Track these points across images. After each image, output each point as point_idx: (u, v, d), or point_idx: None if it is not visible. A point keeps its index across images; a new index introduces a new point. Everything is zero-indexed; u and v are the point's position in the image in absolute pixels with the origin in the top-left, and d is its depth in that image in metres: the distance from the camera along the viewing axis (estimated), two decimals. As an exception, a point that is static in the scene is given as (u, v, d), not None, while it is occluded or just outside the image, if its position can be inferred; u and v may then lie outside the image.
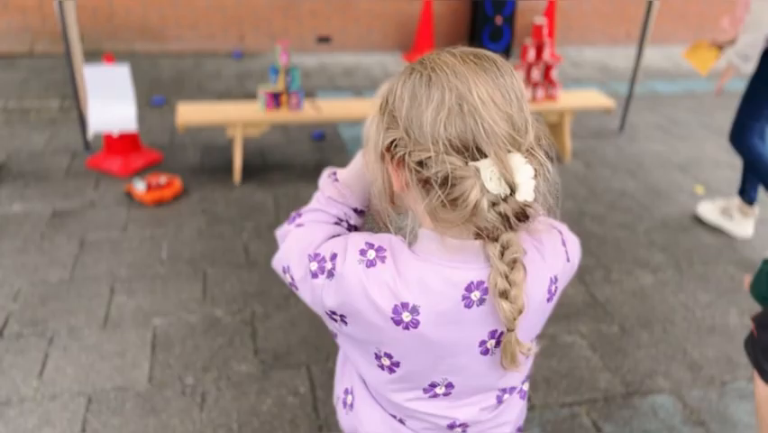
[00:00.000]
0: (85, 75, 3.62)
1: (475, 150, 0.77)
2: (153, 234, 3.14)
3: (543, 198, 0.82)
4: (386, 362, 0.90)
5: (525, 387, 1.06)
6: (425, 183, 0.80)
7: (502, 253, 0.81)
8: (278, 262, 0.99)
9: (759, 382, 1.66)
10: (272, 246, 3.10)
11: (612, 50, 7.18)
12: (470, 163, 0.77)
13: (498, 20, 6.51)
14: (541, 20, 4.16)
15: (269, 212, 3.40)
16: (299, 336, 2.49)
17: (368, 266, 0.85)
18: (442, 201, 0.78)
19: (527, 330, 0.87)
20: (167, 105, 4.81)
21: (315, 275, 0.88)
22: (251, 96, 4.92)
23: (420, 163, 0.79)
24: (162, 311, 2.60)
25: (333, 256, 0.87)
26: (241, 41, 6.31)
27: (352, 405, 1.02)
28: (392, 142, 0.83)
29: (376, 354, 0.89)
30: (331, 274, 0.86)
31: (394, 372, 0.90)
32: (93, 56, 4.29)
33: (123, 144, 3.74)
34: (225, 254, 3.01)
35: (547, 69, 4.13)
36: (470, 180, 0.76)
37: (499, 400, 0.98)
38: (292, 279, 0.93)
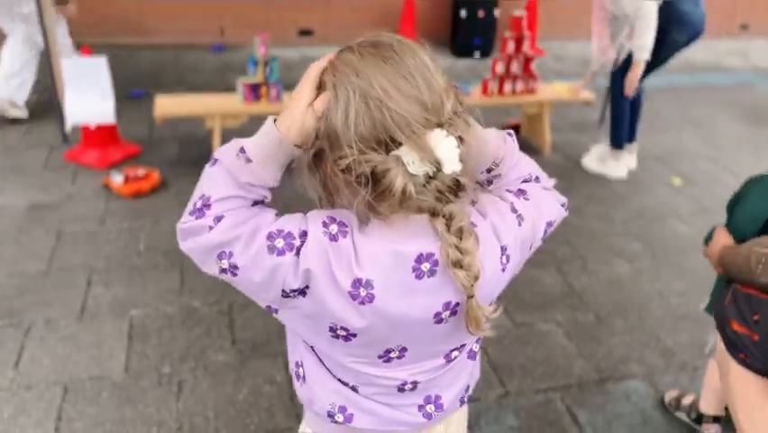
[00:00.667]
0: (62, 67, 3.59)
1: (390, 141, 0.79)
2: (131, 226, 3.13)
3: (470, 164, 0.85)
4: (342, 333, 0.90)
5: (476, 348, 1.08)
6: (354, 182, 0.82)
7: (448, 226, 0.84)
8: (204, 251, 0.88)
9: (719, 342, 1.71)
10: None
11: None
12: (391, 154, 0.79)
13: (481, 13, 6.53)
14: (520, 12, 4.18)
15: (249, 204, 3.40)
16: (277, 326, 2.49)
17: (330, 240, 0.86)
18: (371, 198, 0.81)
19: (482, 299, 0.89)
20: (146, 97, 4.78)
21: (281, 252, 0.85)
22: (231, 88, 4.89)
23: (345, 169, 0.82)
24: (139, 302, 2.59)
25: (303, 234, 0.86)
26: (221, 34, 6.29)
27: (304, 377, 1.03)
28: (317, 154, 0.86)
29: (331, 326, 0.90)
30: (299, 251, 0.86)
31: (350, 340, 0.91)
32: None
33: (101, 137, 3.72)
34: (204, 246, 3.00)
35: (527, 61, 4.15)
36: (393, 171, 0.79)
37: (448, 359, 1.01)
38: (231, 265, 0.87)
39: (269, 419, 2.09)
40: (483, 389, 2.23)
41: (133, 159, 3.80)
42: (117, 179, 3.37)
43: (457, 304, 0.89)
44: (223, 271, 0.88)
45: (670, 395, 2.22)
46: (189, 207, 0.90)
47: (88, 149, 3.73)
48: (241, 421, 2.07)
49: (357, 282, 0.85)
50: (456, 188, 0.83)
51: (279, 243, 0.86)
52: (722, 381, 1.79)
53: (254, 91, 3.63)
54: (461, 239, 0.84)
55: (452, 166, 0.80)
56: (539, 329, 2.56)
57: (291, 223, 0.88)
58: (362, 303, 0.86)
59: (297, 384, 1.06)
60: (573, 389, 2.27)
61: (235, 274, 0.88)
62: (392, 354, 0.95)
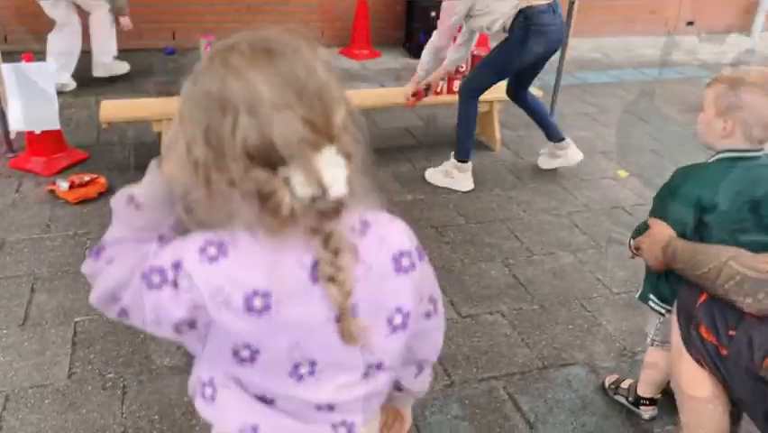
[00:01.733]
0: (3, 73, 3.53)
1: (278, 159, 0.77)
2: (77, 232, 3.09)
3: (358, 179, 0.83)
4: (245, 354, 0.89)
5: (392, 374, 1.05)
6: (240, 198, 0.80)
7: (326, 243, 0.83)
8: (101, 298, 0.94)
9: (675, 330, 1.78)
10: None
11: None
12: (279, 173, 0.78)
13: (434, 14, 6.60)
14: (467, 12, 4.22)
15: (199, 207, 3.39)
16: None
17: (210, 263, 0.84)
18: (258, 213, 0.80)
19: (373, 300, 0.90)
20: (95, 104, 4.71)
21: (159, 286, 0.86)
22: (183, 92, 4.86)
23: (230, 182, 0.79)
24: (84, 309, 2.56)
25: (176, 265, 0.86)
26: (172, 38, 6.24)
27: (212, 397, 0.99)
28: (197, 162, 0.81)
29: (233, 349, 0.88)
30: (176, 284, 0.85)
31: (255, 360, 0.89)
32: (18, 56, 4.17)
33: (46, 144, 3.66)
34: (151, 250, 2.98)
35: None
36: (281, 192, 0.78)
37: (365, 376, 0.98)
38: (123, 308, 0.91)
39: (214, 418, 2.09)
40: (428, 381, 2.27)
41: (81, 165, 3.75)
42: (62, 185, 3.32)
43: (355, 305, 0.88)
44: (119, 314, 0.93)
45: (609, 379, 2.29)
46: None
47: (34, 156, 3.67)
48: (186, 423, 2.08)
49: (252, 294, 0.84)
50: (339, 208, 0.82)
51: (156, 278, 0.86)
52: (673, 366, 1.85)
53: (202, 94, 3.61)
54: (336, 256, 0.84)
55: (337, 190, 0.79)
56: (484, 320, 2.62)
57: (166, 255, 0.88)
58: (260, 314, 0.85)
59: (200, 404, 1.02)
60: (516, 377, 2.33)
61: (127, 315, 0.92)
62: (302, 370, 0.92)
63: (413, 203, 3.52)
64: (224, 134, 0.78)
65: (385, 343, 0.96)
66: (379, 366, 0.98)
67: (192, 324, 0.87)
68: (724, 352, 1.63)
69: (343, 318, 0.87)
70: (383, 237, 0.93)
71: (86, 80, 5.13)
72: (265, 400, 0.96)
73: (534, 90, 4.45)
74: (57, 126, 3.58)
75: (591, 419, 2.17)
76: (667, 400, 2.20)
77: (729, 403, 1.75)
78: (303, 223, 0.81)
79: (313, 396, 0.95)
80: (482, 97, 4.22)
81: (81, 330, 2.45)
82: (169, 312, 0.87)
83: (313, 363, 0.92)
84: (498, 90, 4.35)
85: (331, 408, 0.98)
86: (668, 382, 2.20)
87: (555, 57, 5.47)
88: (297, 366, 0.92)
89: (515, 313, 2.68)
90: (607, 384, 2.28)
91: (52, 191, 3.38)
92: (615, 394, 2.25)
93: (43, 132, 3.60)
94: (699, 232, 1.78)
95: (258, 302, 0.84)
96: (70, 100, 4.68)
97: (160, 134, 3.65)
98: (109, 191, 3.46)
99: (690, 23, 8.06)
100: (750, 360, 1.57)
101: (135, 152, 3.99)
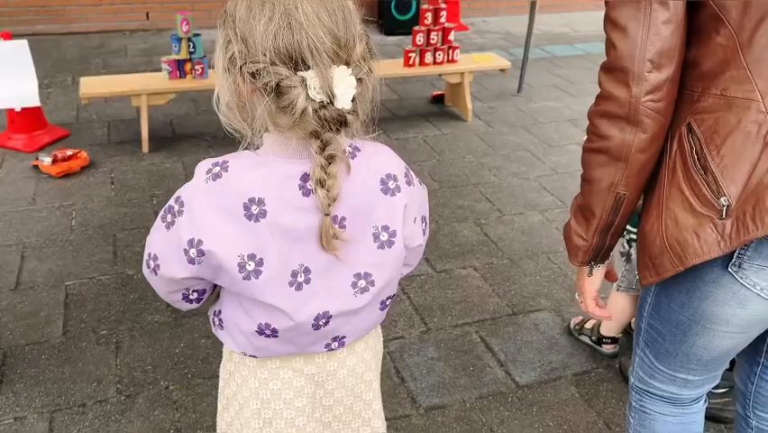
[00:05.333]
0: (-19, 52, 3.57)
1: (301, 62, 0.88)
2: (62, 204, 3.18)
3: (364, 104, 0.96)
4: (251, 266, 0.97)
5: (388, 302, 1.15)
6: (260, 91, 0.90)
7: (322, 149, 0.94)
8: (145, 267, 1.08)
9: None
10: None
11: (516, 18, 7.49)
12: (298, 73, 0.88)
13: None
14: (437, -15, 4.34)
15: (180, 179, 3.48)
16: (211, 286, 2.61)
17: (214, 180, 0.95)
18: (274, 107, 0.91)
19: (359, 217, 1.01)
20: (72, 84, 4.76)
21: (169, 225, 0.99)
22: (158, 70, 4.92)
23: (254, 74, 0.88)
24: (74, 274, 2.67)
25: (177, 198, 0.98)
26: (146, 18, 6.26)
27: (221, 325, 1.14)
28: (232, 55, 0.91)
29: (240, 264, 0.97)
30: (180, 212, 0.97)
31: (260, 273, 0.98)
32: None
33: (27, 122, 3.72)
34: (135, 219, 3.08)
35: (446, 32, 4.34)
36: (297, 90, 0.87)
37: (355, 287, 1.07)
38: (153, 258, 1.04)
39: (205, 366, 2.22)
40: (406, 328, 2.42)
41: (62, 142, 3.82)
42: (45, 160, 3.40)
43: (344, 218, 1.00)
44: (153, 270, 1.06)
45: (574, 321, 2.46)
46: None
47: (15, 133, 3.72)
48: (179, 371, 2.20)
49: (249, 202, 0.95)
50: (341, 122, 0.93)
51: (168, 218, 1.00)
52: None
53: (180, 68, 3.70)
54: (329, 163, 0.94)
55: (342, 103, 0.91)
56: (458, 274, 2.77)
57: (173, 197, 1.00)
58: (257, 220, 0.95)
59: (214, 329, 1.18)
60: (488, 322, 2.49)
61: (159, 266, 1.03)
62: (300, 278, 1.01)
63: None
64: (258, 29, 0.88)
65: (371, 257, 1.06)
66: (369, 280, 1.07)
67: (199, 244, 0.97)
68: None
69: (325, 223, 0.97)
70: (371, 161, 1.05)
71: (60, 61, 5.16)
72: (266, 334, 1.07)
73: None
74: (37, 103, 3.64)
75: (557, 357, 2.34)
76: (627, 339, 2.39)
77: None
78: (308, 126, 0.92)
79: (311, 306, 1.05)
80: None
81: (73, 293, 2.55)
82: (179, 236, 0.98)
83: (307, 271, 1.03)
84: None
85: (327, 321, 1.07)
86: (629, 324, 2.39)
87: (523, 31, 5.62)
88: (294, 274, 1.02)
89: (486, 267, 2.83)
90: (572, 326, 2.45)
91: (36, 166, 3.45)
92: (579, 334, 2.42)
93: (24, 109, 3.66)
94: None
95: (254, 209, 0.96)
96: (47, 81, 4.72)
97: (138, 110, 3.73)
98: (91, 165, 3.54)
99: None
100: None
101: (115, 129, 4.06)
